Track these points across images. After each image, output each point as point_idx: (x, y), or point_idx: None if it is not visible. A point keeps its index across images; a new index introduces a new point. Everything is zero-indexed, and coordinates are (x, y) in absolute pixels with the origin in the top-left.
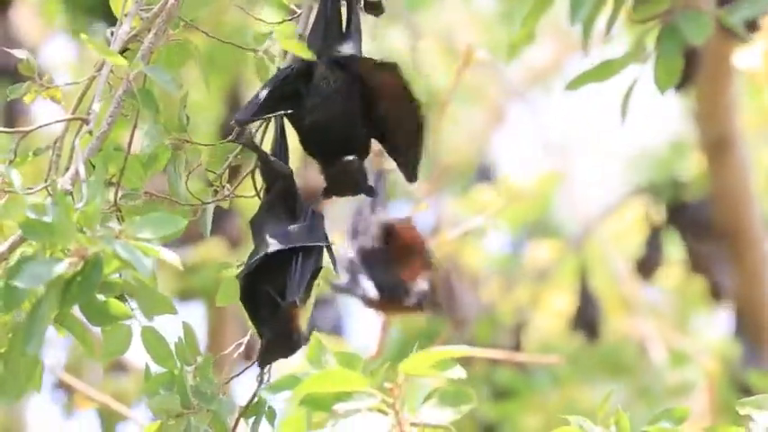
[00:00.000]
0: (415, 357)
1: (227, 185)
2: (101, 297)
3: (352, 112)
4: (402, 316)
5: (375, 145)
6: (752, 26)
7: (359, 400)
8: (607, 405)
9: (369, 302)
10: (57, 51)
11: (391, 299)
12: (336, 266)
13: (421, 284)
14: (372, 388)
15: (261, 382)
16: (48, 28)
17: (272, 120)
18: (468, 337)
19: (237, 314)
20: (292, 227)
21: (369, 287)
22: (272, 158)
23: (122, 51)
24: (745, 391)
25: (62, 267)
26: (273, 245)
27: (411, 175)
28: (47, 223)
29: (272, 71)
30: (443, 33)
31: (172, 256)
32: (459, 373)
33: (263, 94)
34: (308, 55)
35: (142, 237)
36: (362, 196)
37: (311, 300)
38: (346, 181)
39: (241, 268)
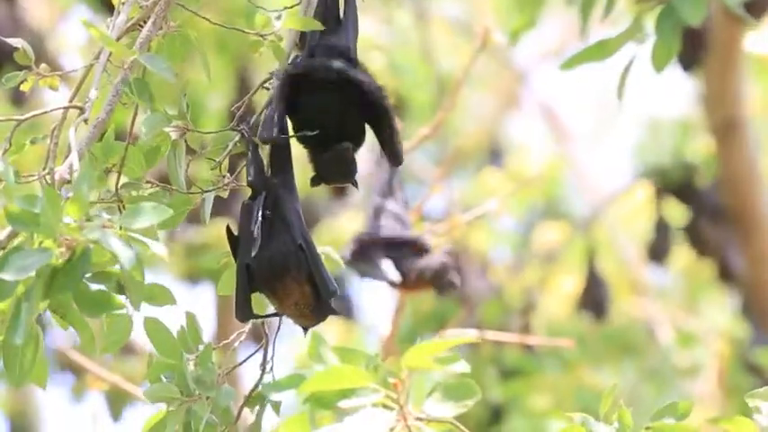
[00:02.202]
0: (419, 348)
1: (228, 174)
2: (96, 286)
3: (348, 101)
4: (421, 294)
5: None
6: (756, 10)
7: (363, 397)
8: (611, 397)
9: (391, 283)
10: (66, 35)
11: (412, 279)
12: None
13: (438, 265)
14: (376, 383)
15: (264, 370)
16: (57, 11)
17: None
18: (476, 320)
19: None
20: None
21: (390, 269)
22: (254, 161)
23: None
24: (754, 370)
25: (49, 258)
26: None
27: (394, 160)
28: (33, 214)
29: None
30: (453, 16)
31: (159, 248)
32: (462, 367)
33: (280, 106)
34: (318, 27)
35: (131, 226)
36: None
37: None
38: (339, 168)
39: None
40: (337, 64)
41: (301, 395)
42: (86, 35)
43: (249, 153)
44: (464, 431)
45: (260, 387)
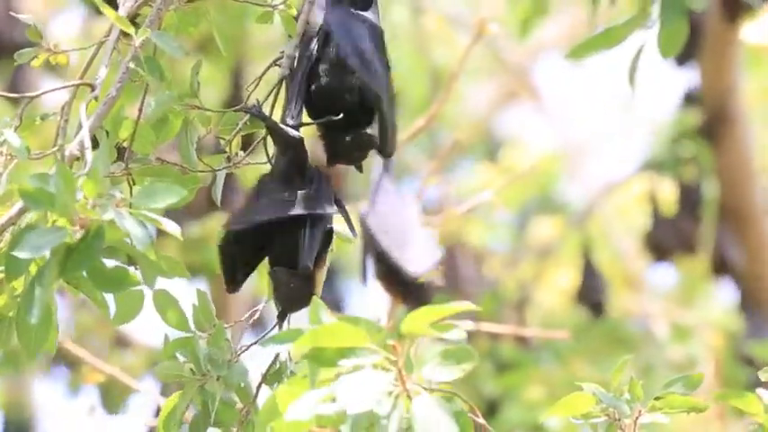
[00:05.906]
0: (415, 315)
1: (240, 152)
2: (109, 263)
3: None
4: (400, 302)
5: None
6: None
7: (362, 357)
8: (621, 375)
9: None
10: (61, 27)
11: (398, 286)
12: (353, 231)
13: (430, 281)
14: (375, 344)
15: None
16: (53, 3)
17: (283, 88)
18: (471, 313)
19: (243, 291)
20: (300, 192)
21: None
22: (282, 126)
23: (134, 17)
24: (749, 363)
25: (64, 237)
26: (279, 210)
27: (385, 151)
28: (48, 192)
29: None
30: (448, 9)
31: (172, 227)
32: (458, 335)
33: (298, 97)
34: None
35: (143, 206)
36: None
37: (326, 266)
38: (356, 151)
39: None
40: (345, 50)
41: (299, 351)
42: (83, 28)
43: (268, 125)
44: (461, 398)
45: (277, 364)
